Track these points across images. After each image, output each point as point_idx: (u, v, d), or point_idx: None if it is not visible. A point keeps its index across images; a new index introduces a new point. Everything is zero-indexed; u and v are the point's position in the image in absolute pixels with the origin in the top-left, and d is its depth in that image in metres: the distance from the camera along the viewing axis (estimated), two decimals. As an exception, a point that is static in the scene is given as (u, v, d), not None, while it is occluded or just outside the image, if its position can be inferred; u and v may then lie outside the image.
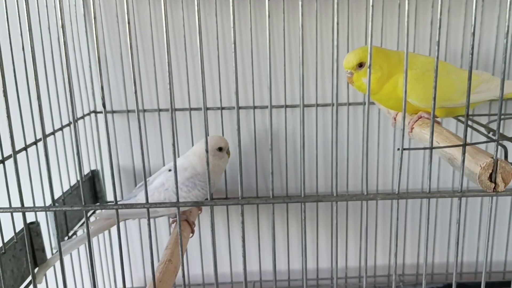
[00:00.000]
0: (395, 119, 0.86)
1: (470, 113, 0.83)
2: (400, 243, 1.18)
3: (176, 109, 1.08)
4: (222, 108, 1.08)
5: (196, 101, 1.08)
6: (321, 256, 1.19)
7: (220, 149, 0.94)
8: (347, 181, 1.11)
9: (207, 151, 0.55)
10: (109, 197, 1.13)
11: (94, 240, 1.11)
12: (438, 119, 0.78)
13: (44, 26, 0.92)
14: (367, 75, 0.53)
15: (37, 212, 0.88)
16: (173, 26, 1.04)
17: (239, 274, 1.20)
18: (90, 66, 1.05)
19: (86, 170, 1.07)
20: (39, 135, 0.87)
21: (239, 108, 0.54)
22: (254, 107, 1.08)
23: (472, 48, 0.52)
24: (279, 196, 0.55)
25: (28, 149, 0.83)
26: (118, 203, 0.91)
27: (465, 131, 0.54)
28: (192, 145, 1.06)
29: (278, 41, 1.06)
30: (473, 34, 0.51)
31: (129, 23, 0.51)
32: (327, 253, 1.19)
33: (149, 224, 0.57)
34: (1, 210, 0.57)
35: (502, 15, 1.04)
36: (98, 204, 0.57)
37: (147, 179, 0.98)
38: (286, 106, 1.08)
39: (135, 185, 1.12)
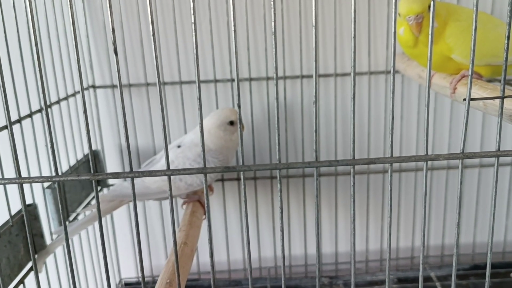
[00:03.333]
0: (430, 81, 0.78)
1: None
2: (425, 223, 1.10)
3: (182, 82, 0.99)
4: (232, 80, 0.99)
5: (204, 73, 0.99)
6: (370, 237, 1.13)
7: (231, 122, 0.86)
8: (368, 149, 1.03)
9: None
10: (112, 180, 1.04)
11: (95, 226, 1.03)
12: (482, 78, 0.70)
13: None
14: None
15: (35, 195, 0.80)
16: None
17: (252, 259, 1.12)
18: (87, 35, 0.95)
19: (86, 150, 0.98)
20: (34, 108, 0.79)
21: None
22: (268, 78, 0.99)
23: None
24: (325, 161, 0.46)
25: (23, 122, 0.74)
26: (121, 183, 0.83)
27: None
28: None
29: (293, 4, 0.97)
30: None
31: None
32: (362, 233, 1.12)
33: (171, 196, 0.48)
34: (-5, 183, 0.48)
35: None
36: (109, 172, 0.49)
37: (154, 157, 0.90)
38: (302, 77, 1.00)
39: (139, 166, 1.03)
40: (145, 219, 1.07)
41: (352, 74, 0.45)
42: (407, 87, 1.01)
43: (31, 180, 0.47)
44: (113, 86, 1.00)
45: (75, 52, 0.45)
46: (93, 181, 0.48)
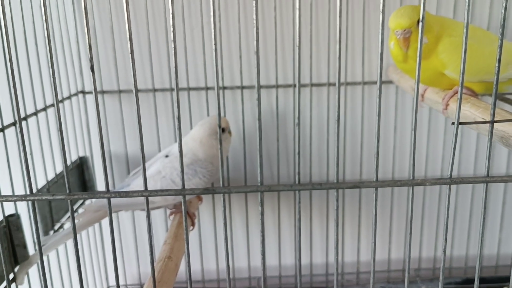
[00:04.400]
0: (423, 96, 0.77)
1: (507, 89, 0.73)
2: (417, 235, 1.09)
3: (173, 89, 0.98)
4: (224, 88, 0.98)
5: (195, 80, 0.98)
6: (334, 250, 1.10)
7: (222, 130, 0.85)
8: (361, 168, 1.02)
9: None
10: (100, 186, 1.03)
11: (83, 233, 1.01)
12: (477, 95, 0.68)
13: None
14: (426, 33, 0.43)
15: (18, 203, 0.78)
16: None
17: (241, 269, 1.11)
18: (77, 41, 0.94)
19: (74, 157, 0.97)
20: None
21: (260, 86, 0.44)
22: (260, 87, 0.97)
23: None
24: (306, 183, 0.45)
25: (6, 131, 0.72)
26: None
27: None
28: (191, 127, 0.96)
29: (286, 13, 0.95)
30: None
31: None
32: (347, 246, 1.10)
33: (148, 216, 0.47)
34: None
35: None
36: (86, 192, 0.47)
37: (140, 167, 0.88)
38: (295, 86, 0.98)
39: (128, 174, 1.02)
40: (133, 226, 1.05)
41: (337, 84, 0.44)
42: (401, 98, 1.00)
43: (4, 198, 0.46)
44: (103, 92, 0.98)
45: (47, 65, 0.43)
46: (69, 201, 0.47)
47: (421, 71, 0.67)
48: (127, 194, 0.46)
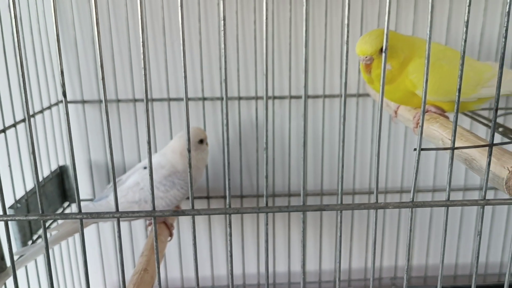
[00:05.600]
0: (396, 112, 0.79)
1: (475, 108, 0.76)
2: (378, 251, 1.11)
3: (153, 99, 0.98)
4: (204, 99, 0.99)
5: (175, 90, 0.99)
6: (324, 260, 1.12)
7: (201, 141, 0.87)
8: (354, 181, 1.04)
9: (189, 150, 0.46)
10: (81, 194, 1.03)
11: (62, 241, 1.01)
12: (446, 114, 0.70)
13: None
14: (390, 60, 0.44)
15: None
16: (151, 6, 0.94)
17: (220, 277, 1.12)
18: (58, 50, 0.94)
19: (54, 166, 0.97)
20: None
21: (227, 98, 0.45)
22: (239, 98, 0.99)
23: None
24: (275, 207, 0.46)
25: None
26: (87, 204, 0.83)
27: (493, 129, 0.46)
28: (171, 138, 0.97)
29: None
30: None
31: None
32: (330, 256, 1.12)
33: (119, 237, 0.48)
34: None
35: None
36: (58, 214, 0.48)
37: (120, 177, 0.89)
38: (274, 98, 1.00)
39: (109, 182, 1.03)
40: (113, 234, 1.06)
41: (304, 97, 0.45)
42: (377, 111, 1.01)
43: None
44: (83, 102, 0.99)
45: (19, 78, 0.43)
46: (42, 221, 0.47)
47: (392, 91, 0.69)
48: (99, 215, 0.47)
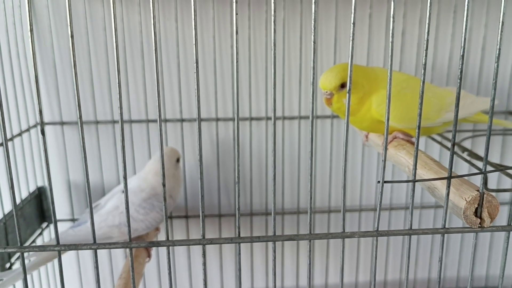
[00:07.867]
0: (366, 136, 0.82)
1: (442, 131, 0.79)
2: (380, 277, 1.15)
3: (132, 121, 1.00)
4: (183, 120, 1.01)
5: (154, 112, 1.01)
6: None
7: (178, 160, 0.91)
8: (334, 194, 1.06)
9: (163, 175, 0.48)
10: (58, 215, 1.04)
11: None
12: (412, 139, 0.74)
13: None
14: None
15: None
16: (129, 28, 0.96)
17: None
18: (36, 73, 0.95)
19: (32, 187, 0.98)
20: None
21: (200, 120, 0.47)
22: (217, 119, 1.01)
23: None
24: (246, 237, 0.48)
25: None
26: (66, 230, 0.83)
27: (451, 162, 0.49)
28: (150, 158, 0.99)
29: (242, 48, 0.99)
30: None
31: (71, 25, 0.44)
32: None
33: (96, 268, 0.49)
34: None
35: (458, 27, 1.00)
36: (36, 245, 0.49)
37: (98, 202, 0.90)
38: (251, 119, 1.02)
39: (86, 206, 1.03)
40: (92, 256, 1.07)
41: (273, 119, 0.47)
42: (352, 134, 1.05)
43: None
44: (62, 123, 1.00)
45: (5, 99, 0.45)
46: (21, 253, 0.49)
47: (359, 121, 0.72)
48: (76, 247, 0.49)
